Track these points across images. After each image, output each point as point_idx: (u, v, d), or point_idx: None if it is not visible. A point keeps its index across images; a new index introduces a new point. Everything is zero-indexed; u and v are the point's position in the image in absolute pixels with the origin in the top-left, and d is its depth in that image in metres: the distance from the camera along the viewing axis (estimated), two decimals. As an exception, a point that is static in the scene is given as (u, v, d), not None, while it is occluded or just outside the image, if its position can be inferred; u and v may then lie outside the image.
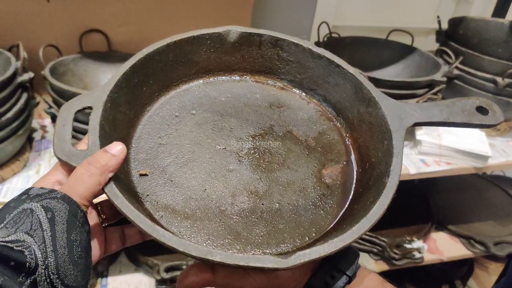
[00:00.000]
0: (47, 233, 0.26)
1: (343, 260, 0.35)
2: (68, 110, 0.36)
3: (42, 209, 0.27)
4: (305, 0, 1.20)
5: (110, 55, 0.95)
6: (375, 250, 1.19)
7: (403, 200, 1.33)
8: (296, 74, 0.48)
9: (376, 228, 1.11)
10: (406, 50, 1.11)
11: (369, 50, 1.14)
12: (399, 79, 0.89)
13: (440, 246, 1.23)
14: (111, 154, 0.32)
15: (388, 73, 1.12)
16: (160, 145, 0.41)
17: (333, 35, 1.11)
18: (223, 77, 0.48)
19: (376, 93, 0.41)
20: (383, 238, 1.17)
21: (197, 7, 1.00)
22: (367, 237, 1.19)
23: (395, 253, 1.14)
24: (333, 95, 0.45)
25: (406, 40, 1.11)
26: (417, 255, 1.15)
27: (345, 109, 0.44)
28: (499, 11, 1.27)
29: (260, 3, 1.13)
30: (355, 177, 0.41)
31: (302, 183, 0.40)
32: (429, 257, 1.19)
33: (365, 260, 1.19)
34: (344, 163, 0.42)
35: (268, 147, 0.43)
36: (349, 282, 0.34)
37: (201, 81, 0.47)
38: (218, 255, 0.28)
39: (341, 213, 0.38)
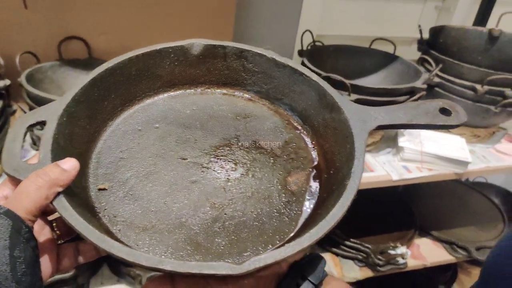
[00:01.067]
0: None
1: (309, 268, 0.34)
2: (21, 124, 0.35)
3: None
4: (289, 9, 1.21)
5: (90, 63, 0.94)
6: (359, 256, 1.19)
7: (387, 207, 1.35)
8: (262, 85, 0.48)
9: (361, 235, 1.11)
10: (389, 58, 1.12)
11: (352, 58, 1.15)
12: (380, 86, 0.90)
13: (423, 252, 1.24)
14: (62, 169, 0.31)
15: (370, 80, 1.13)
16: (121, 159, 0.40)
17: (317, 43, 1.12)
18: (189, 90, 0.48)
19: (339, 98, 0.41)
20: (367, 245, 1.17)
21: (179, 16, 0.99)
22: (351, 244, 1.19)
23: (379, 259, 1.14)
24: (299, 103, 0.46)
25: (388, 49, 1.13)
26: (401, 261, 1.16)
27: (310, 117, 0.45)
28: (480, 21, 1.29)
29: (243, 11, 1.14)
30: (320, 183, 0.41)
31: (267, 191, 0.40)
32: (412, 263, 1.19)
33: (350, 267, 1.19)
34: (310, 169, 0.42)
35: (233, 157, 0.42)
36: None
37: (166, 94, 0.47)
38: (169, 264, 0.27)
39: (305, 219, 0.38)
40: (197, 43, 0.45)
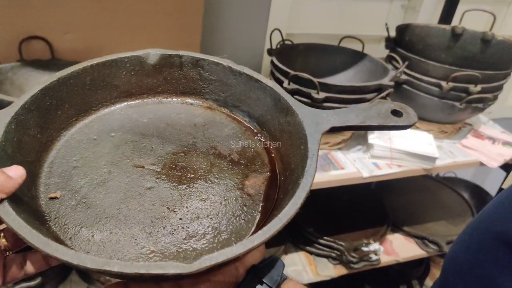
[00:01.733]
0: None
1: (267, 272, 0.34)
2: None
3: None
4: (258, 8, 1.21)
5: (53, 64, 0.91)
6: (333, 254, 1.20)
7: (360, 204, 1.36)
8: (219, 93, 0.48)
9: (334, 232, 1.11)
10: (357, 56, 1.13)
11: (321, 57, 1.16)
12: (348, 84, 0.91)
13: (396, 248, 1.26)
14: (8, 176, 0.30)
15: (340, 79, 1.14)
16: (74, 168, 0.40)
17: (286, 42, 1.13)
18: (147, 100, 0.48)
19: (293, 102, 0.42)
20: (340, 242, 1.18)
21: (146, 15, 0.97)
22: (325, 242, 1.19)
23: (353, 257, 1.15)
24: (256, 109, 0.46)
25: (357, 47, 1.14)
26: (374, 257, 1.17)
27: (267, 122, 0.45)
28: (445, 19, 1.33)
29: (211, 10, 1.13)
30: (277, 185, 0.42)
31: (224, 195, 0.40)
32: (385, 259, 1.21)
33: (324, 265, 1.19)
34: (268, 173, 0.43)
35: (190, 163, 0.42)
36: None
37: (123, 104, 0.47)
38: (116, 265, 0.26)
39: (261, 221, 0.38)
40: (153, 53, 0.46)
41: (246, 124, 0.48)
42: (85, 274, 1.02)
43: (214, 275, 0.34)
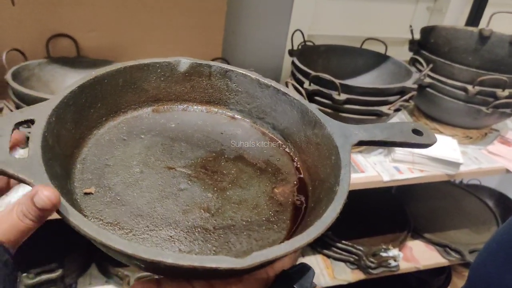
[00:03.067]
0: None
1: (298, 279, 0.33)
2: (8, 121, 0.34)
3: None
4: (280, 8, 1.20)
5: (78, 61, 0.93)
6: (351, 259, 1.18)
7: (380, 209, 1.34)
8: (245, 104, 0.50)
9: (353, 236, 1.10)
10: (380, 59, 1.12)
11: (343, 58, 1.14)
12: (370, 85, 0.90)
13: (416, 255, 1.23)
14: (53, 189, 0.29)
15: (362, 80, 1.13)
16: (106, 166, 0.40)
17: (308, 43, 1.12)
18: (173, 106, 0.49)
19: (321, 115, 0.43)
20: (359, 247, 1.16)
21: (169, 14, 0.99)
22: (343, 246, 1.18)
23: (371, 262, 1.13)
24: (281, 122, 0.48)
25: (380, 49, 1.12)
26: (393, 263, 1.15)
27: (292, 134, 0.47)
28: (472, 21, 1.29)
29: (234, 10, 1.13)
30: (306, 194, 0.42)
31: (255, 201, 0.41)
32: (405, 266, 1.18)
33: (342, 269, 1.18)
34: (295, 182, 0.44)
35: (220, 168, 0.43)
36: None
37: (150, 109, 0.48)
38: (170, 257, 0.26)
39: (294, 227, 0.39)
40: (184, 61, 0.47)
41: (270, 135, 0.49)
42: (105, 268, 1.04)
43: (246, 278, 0.33)
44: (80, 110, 0.41)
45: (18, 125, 0.35)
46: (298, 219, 0.40)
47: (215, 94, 0.50)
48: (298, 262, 0.36)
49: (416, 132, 0.43)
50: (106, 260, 1.04)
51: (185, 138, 0.46)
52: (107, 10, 0.94)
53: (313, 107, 0.44)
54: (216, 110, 0.50)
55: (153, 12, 0.98)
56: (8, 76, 0.76)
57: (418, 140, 0.42)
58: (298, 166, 0.45)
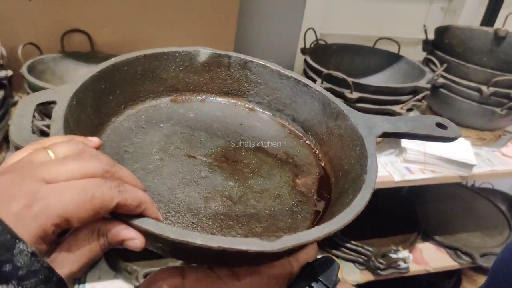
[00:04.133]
0: None
1: (323, 271, 0.33)
2: (30, 102, 0.35)
3: None
4: (293, 7, 1.20)
5: (92, 56, 0.94)
6: (360, 259, 1.17)
7: (390, 209, 1.33)
8: (264, 96, 0.49)
9: (362, 237, 1.09)
10: (393, 58, 1.11)
11: (356, 57, 1.14)
12: (383, 84, 0.89)
13: (426, 257, 1.21)
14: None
15: (374, 80, 1.12)
16: (126, 152, 0.40)
17: (320, 42, 1.12)
18: (191, 97, 0.49)
19: (344, 106, 0.43)
20: (368, 248, 1.15)
21: (182, 10, 0.99)
22: (352, 247, 1.17)
23: (380, 263, 1.12)
24: (301, 114, 0.47)
25: (393, 49, 1.11)
26: (402, 265, 1.14)
27: (313, 126, 0.46)
28: (487, 22, 1.28)
29: (246, 7, 1.13)
30: (329, 185, 0.42)
31: (277, 190, 0.40)
32: (414, 268, 1.17)
33: (351, 270, 1.17)
34: (317, 174, 0.43)
35: (240, 157, 0.43)
36: None
37: (168, 98, 0.48)
38: (198, 238, 0.25)
39: (318, 217, 0.38)
40: (203, 51, 0.47)
41: (290, 127, 0.48)
42: (114, 263, 1.05)
43: (271, 267, 0.33)
44: (99, 97, 0.40)
45: (39, 105, 0.35)
46: (322, 209, 0.39)
47: (234, 85, 0.49)
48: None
49: (440, 126, 0.42)
50: (116, 255, 1.05)
51: (204, 128, 0.45)
52: (121, 6, 0.95)
53: (335, 98, 0.44)
54: (235, 101, 0.50)
55: (166, 9, 0.98)
56: (24, 70, 0.78)
57: (442, 133, 0.42)
58: (320, 157, 0.45)
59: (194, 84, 0.48)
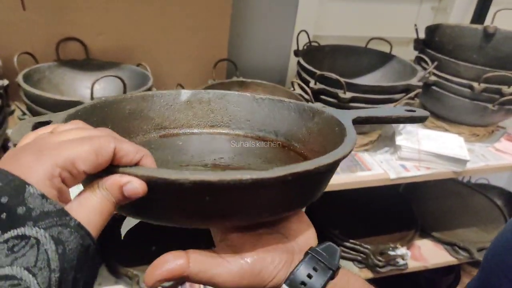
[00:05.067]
0: (54, 274, 0.21)
1: (326, 254, 0.34)
2: (27, 121, 0.37)
3: (52, 242, 0.22)
4: (285, 10, 1.22)
5: (87, 63, 0.95)
6: (359, 258, 1.18)
7: (387, 207, 1.34)
8: (245, 121, 0.53)
9: (360, 235, 1.09)
10: (385, 58, 1.12)
11: (348, 58, 1.15)
12: (375, 84, 0.90)
13: (424, 253, 1.22)
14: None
15: (367, 80, 1.13)
16: None
17: (313, 43, 1.13)
18: (179, 131, 0.53)
19: (317, 105, 0.48)
20: (366, 246, 1.16)
21: (175, 17, 1.00)
22: (351, 245, 1.18)
23: (379, 260, 1.13)
24: (282, 127, 0.51)
25: (385, 49, 1.13)
26: (401, 262, 1.15)
27: (296, 133, 0.50)
28: (476, 20, 1.30)
29: (239, 11, 1.15)
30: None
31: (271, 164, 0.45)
32: (413, 264, 1.18)
33: (350, 268, 1.17)
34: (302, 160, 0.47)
35: (232, 164, 0.46)
36: (331, 277, 0.33)
37: (157, 134, 0.52)
38: (196, 173, 0.27)
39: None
40: (184, 91, 0.52)
41: (275, 142, 0.52)
42: (114, 268, 1.05)
43: (274, 249, 0.34)
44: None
45: (38, 124, 0.36)
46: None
47: (216, 118, 0.53)
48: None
49: (409, 110, 0.46)
50: (116, 260, 1.05)
51: (193, 150, 0.49)
52: (115, 14, 0.96)
53: (307, 103, 0.48)
54: (219, 131, 0.54)
55: (160, 15, 0.99)
56: (20, 78, 0.78)
57: (411, 114, 0.45)
58: (307, 156, 0.48)
59: (180, 120, 0.52)
